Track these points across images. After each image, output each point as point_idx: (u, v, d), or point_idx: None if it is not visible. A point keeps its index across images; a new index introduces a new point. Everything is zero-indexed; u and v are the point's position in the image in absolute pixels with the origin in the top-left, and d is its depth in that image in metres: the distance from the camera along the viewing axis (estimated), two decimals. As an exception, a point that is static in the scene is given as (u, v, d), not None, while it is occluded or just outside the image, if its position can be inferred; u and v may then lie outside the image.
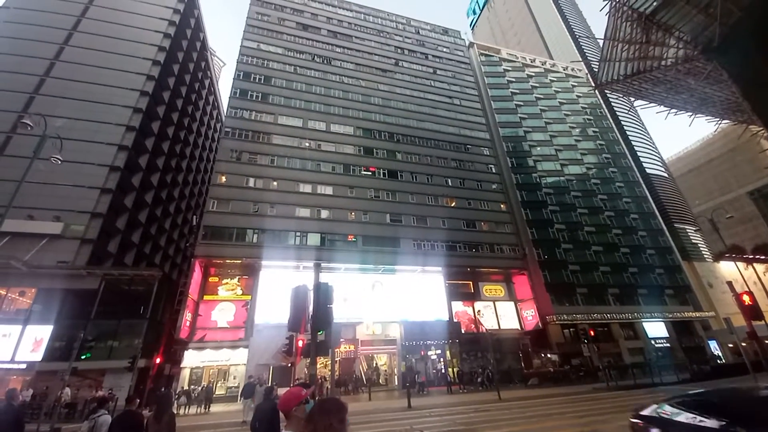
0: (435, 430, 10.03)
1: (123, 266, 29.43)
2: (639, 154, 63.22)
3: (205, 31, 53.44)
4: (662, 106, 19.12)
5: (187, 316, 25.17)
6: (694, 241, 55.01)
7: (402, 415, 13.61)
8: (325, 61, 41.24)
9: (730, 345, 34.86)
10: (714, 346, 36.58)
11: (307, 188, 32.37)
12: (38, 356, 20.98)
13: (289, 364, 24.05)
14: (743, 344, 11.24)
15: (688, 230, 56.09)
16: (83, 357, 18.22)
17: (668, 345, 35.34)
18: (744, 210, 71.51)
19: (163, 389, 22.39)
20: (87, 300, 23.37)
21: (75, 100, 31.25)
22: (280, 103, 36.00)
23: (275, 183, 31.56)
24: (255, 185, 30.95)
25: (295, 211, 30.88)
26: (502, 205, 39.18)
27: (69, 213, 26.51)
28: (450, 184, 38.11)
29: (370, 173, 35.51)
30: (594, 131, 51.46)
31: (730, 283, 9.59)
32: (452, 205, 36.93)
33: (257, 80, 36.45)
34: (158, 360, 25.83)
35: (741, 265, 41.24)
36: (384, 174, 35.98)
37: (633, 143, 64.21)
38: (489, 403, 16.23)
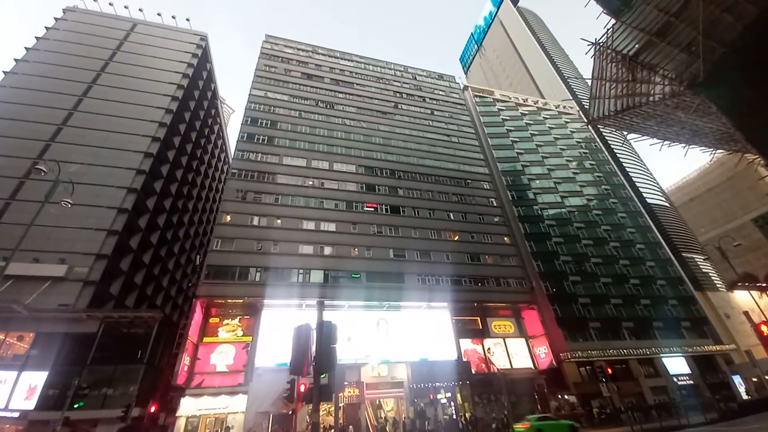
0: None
1: (124, 308, 29.00)
2: (638, 184, 63.92)
3: (216, 82, 57.11)
4: (655, 138, 19.73)
5: (186, 359, 24.27)
6: (704, 270, 53.83)
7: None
8: (328, 106, 43.52)
9: (754, 379, 32.85)
10: (738, 381, 34.41)
11: (310, 225, 32.68)
12: (31, 404, 20.05)
13: (290, 412, 22.72)
14: (767, 377, 10.64)
15: (696, 259, 55.12)
16: (76, 406, 17.44)
17: (692, 382, 33.26)
18: (751, 237, 70.59)
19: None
20: (85, 344, 22.77)
21: (90, 147, 32.76)
22: (285, 144, 37.51)
23: (279, 221, 31.95)
24: (259, 223, 31.32)
25: (298, 248, 30.93)
26: (506, 238, 39.10)
27: (74, 255, 26.72)
28: (452, 218, 38.38)
29: (372, 209, 35.98)
30: (591, 164, 52.58)
31: (746, 313, 9.31)
32: (455, 239, 36.89)
33: (264, 125, 38.29)
34: (153, 408, 24.49)
35: (756, 294, 40.01)
36: (386, 210, 36.43)
37: (631, 174, 65.19)
38: (505, 450, 15.05)
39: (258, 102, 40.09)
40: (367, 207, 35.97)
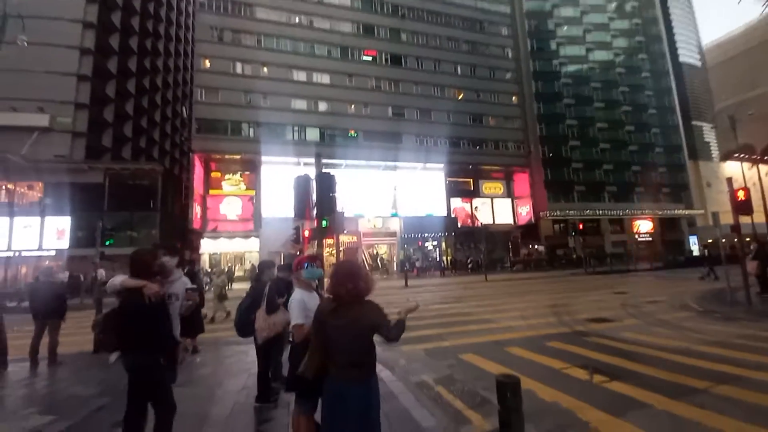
0: (429, 302, 11.51)
1: (122, 161, 29.24)
2: (676, 37, 55.41)
3: None
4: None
5: (197, 208, 26.22)
6: (706, 140, 53.22)
7: (399, 292, 15.45)
8: None
9: (710, 240, 37.23)
10: (693, 241, 39.13)
11: (301, 76, 29.49)
12: (65, 244, 22.66)
13: (298, 252, 26.22)
14: (723, 240, 11.79)
15: (704, 128, 53.59)
16: (107, 243, 19.68)
17: (650, 239, 37.77)
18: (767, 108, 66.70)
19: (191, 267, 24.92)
20: (95, 194, 23.93)
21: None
22: (261, -37, 29.65)
23: (265, 69, 28.61)
24: (243, 71, 28.15)
25: (290, 102, 28.85)
26: (513, 98, 36.43)
27: (51, 104, 25.27)
28: (459, 72, 34.53)
29: (370, 58, 31.81)
30: (633, 5, 43.85)
31: (729, 180, 9.45)
32: (460, 97, 34.25)
33: (229, -71, 29.16)
34: (179, 245, 28.07)
35: (746, 165, 40.71)
36: (386, 60, 32.26)
37: (673, 23, 55.55)
38: (476, 283, 18.26)
39: None
40: (364, 55, 31.67)
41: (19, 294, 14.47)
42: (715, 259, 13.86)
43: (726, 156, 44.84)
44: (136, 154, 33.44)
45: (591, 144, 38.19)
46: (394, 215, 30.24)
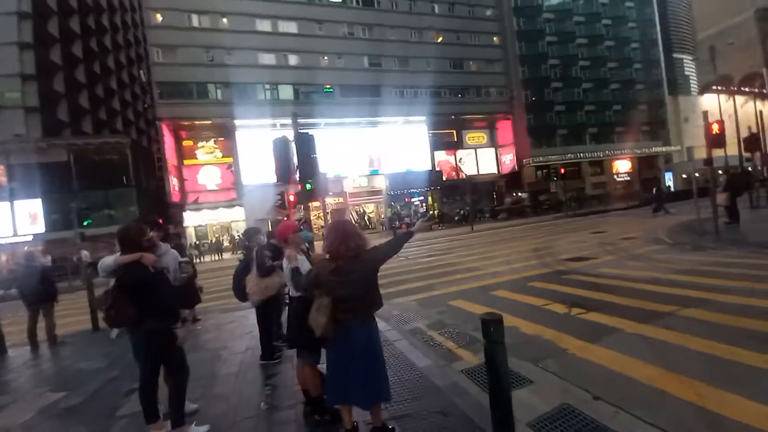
0: (418, 254, 11.92)
1: (84, 135, 27.37)
2: (662, -40, 52.43)
3: None
4: None
5: (173, 181, 25.28)
6: (687, 73, 52.90)
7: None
8: None
9: (684, 176, 38.67)
10: (669, 177, 40.63)
11: (266, 26, 27.16)
12: (40, 228, 21.83)
13: (285, 217, 26.10)
14: (696, 174, 12.23)
15: (685, 61, 53.05)
16: (85, 223, 18.98)
17: (629, 178, 38.98)
18: (748, 35, 65.74)
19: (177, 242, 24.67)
20: (62, 174, 22.63)
21: None
22: None
23: (225, 20, 26.14)
24: (201, 24, 25.69)
25: (257, 57, 26.82)
26: (495, 38, 34.85)
27: None
28: (437, 11, 32.37)
29: (339, 0, 29.30)
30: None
31: (705, 113, 9.61)
32: (439, 40, 32.51)
33: None
34: (160, 220, 27.45)
35: (724, 98, 41.17)
36: (357, 1, 29.78)
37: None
38: (463, 234, 18.83)
39: None
40: (333, -3, 29.10)
41: (2, 282, 14.14)
42: (668, 196, 15.11)
43: (704, 89, 45.11)
44: (98, 127, 31.30)
45: (573, 84, 37.58)
46: (377, 173, 29.98)
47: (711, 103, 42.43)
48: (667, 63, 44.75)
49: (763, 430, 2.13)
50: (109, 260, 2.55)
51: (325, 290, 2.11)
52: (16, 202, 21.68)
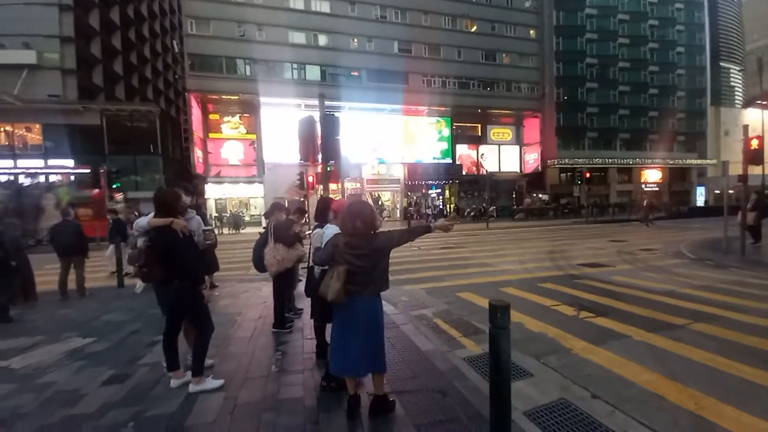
0: (431, 246, 11.98)
1: (117, 101, 28.32)
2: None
3: None
4: None
5: (198, 153, 25.95)
6: (732, 83, 49.65)
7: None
8: None
9: (717, 191, 36.76)
10: (701, 192, 38.70)
11: (299, 3, 27.02)
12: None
13: (302, 198, 26.49)
14: (730, 191, 11.64)
15: (731, 70, 49.75)
16: (114, 186, 19.85)
17: (657, 189, 37.40)
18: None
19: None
20: (94, 137, 23.57)
21: None
22: None
23: (258, -6, 26.20)
24: (234, -2, 25.85)
25: (288, 35, 26.81)
26: (531, 31, 33.53)
27: (37, 39, 24.45)
28: (474, -2, 31.36)
29: (375, -17, 28.76)
30: None
31: (746, 127, 9.08)
32: (473, 29, 31.57)
33: None
34: (191, 187, 28.37)
35: (769, 112, 38.59)
36: (392, -16, 29.20)
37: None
38: (478, 230, 18.69)
39: None
40: (368, -20, 28.54)
41: (37, 233, 15.02)
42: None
43: (748, 102, 42.30)
44: (130, 94, 32.27)
45: (609, 86, 35.94)
46: (396, 162, 29.83)
47: (754, 116, 39.91)
48: (712, 71, 42.09)
49: (760, 445, 2.15)
50: (143, 221, 2.75)
51: (340, 260, 2.27)
52: (50, 161, 22.77)
